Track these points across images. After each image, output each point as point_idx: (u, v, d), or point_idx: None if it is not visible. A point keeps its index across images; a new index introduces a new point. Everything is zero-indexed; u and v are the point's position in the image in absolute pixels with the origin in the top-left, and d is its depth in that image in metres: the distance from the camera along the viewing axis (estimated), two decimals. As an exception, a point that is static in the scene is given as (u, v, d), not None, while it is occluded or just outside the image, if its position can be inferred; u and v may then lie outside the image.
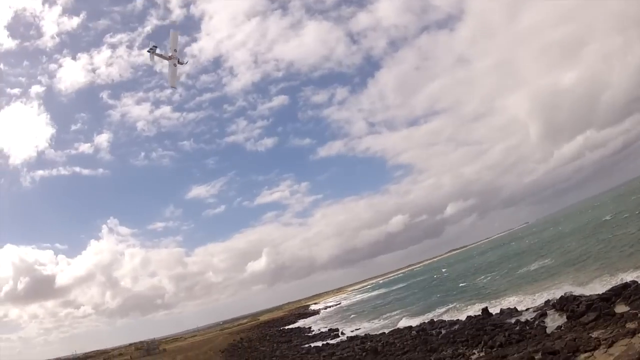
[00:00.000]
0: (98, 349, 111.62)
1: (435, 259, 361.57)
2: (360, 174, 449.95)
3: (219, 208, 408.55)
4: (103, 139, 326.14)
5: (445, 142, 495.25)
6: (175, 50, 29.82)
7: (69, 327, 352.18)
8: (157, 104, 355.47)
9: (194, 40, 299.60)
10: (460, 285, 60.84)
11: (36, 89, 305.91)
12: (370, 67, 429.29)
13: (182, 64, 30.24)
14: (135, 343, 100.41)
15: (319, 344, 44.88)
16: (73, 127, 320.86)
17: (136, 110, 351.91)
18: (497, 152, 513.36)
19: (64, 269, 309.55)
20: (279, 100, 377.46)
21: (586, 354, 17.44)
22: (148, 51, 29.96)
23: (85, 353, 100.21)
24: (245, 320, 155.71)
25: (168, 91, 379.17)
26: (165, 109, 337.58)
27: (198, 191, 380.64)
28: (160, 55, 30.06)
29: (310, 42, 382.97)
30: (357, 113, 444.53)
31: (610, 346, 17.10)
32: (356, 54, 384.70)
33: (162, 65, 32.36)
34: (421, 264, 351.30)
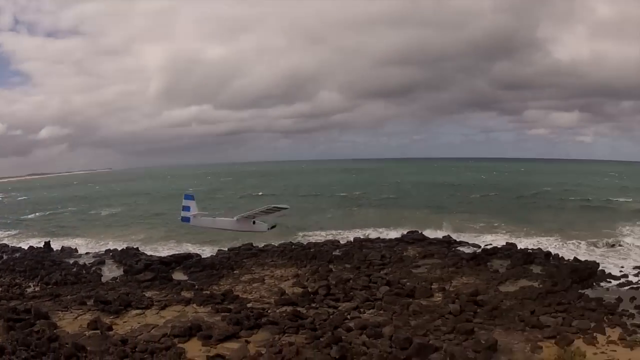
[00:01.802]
0: None
1: (14, 179, 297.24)
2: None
3: None
4: None
5: (71, 65, 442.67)
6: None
7: None
8: None
9: None
10: (27, 216, 54.95)
11: None
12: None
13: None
14: None
15: None
16: None
17: None
18: (113, 92, 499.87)
19: None
20: None
21: (138, 311, 18.74)
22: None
23: None
24: None
25: None
26: None
27: None
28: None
29: None
30: (11, 4, 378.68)
31: (162, 309, 19.02)
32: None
33: None
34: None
